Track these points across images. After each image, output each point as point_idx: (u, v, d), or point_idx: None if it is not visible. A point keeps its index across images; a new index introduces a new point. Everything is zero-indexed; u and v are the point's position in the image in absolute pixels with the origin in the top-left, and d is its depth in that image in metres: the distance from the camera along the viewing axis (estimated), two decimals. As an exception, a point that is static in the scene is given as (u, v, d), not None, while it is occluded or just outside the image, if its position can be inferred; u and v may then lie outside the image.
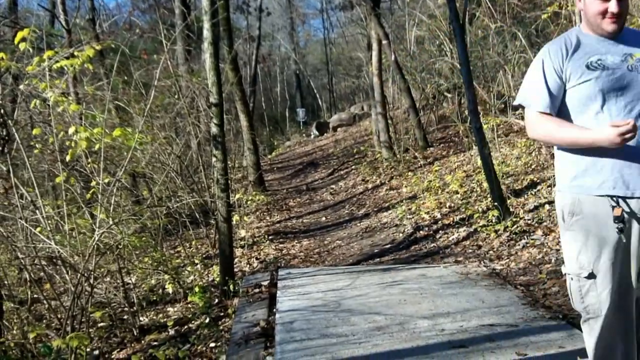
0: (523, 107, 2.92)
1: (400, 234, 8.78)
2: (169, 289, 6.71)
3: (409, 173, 12.90)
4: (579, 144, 2.69)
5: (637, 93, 2.69)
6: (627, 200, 2.68)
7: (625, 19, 2.75)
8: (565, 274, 2.91)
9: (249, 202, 12.91)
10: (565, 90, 2.76)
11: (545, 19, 10.91)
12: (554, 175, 8.17)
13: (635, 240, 2.73)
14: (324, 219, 11.51)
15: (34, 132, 6.27)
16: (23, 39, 5.55)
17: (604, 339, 2.83)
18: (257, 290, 6.18)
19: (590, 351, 2.89)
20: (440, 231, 8.32)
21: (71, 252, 5.55)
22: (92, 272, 5.28)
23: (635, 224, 2.70)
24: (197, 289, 6.17)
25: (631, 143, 2.61)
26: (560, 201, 2.86)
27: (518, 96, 2.91)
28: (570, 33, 2.84)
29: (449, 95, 16.87)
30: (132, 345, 5.63)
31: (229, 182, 7.57)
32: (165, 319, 6.09)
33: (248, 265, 8.05)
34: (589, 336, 2.86)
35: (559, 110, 2.78)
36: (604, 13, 2.66)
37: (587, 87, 2.69)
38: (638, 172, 2.68)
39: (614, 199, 2.68)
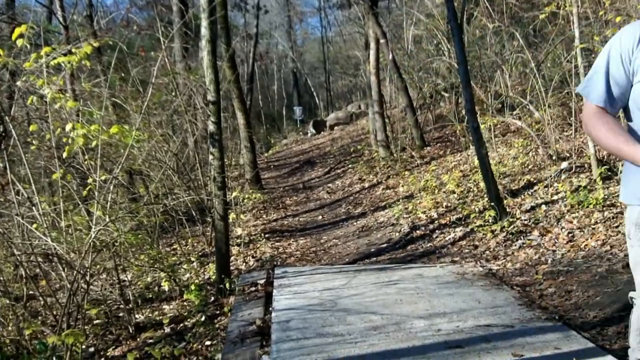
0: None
1: (397, 234, 8.78)
2: (165, 286, 6.71)
3: (406, 172, 12.90)
4: (621, 156, 2.29)
5: None
6: None
7: None
8: (632, 300, 2.42)
9: (245, 200, 12.90)
10: (633, 84, 2.29)
11: (543, 19, 10.92)
12: (550, 176, 8.19)
13: None
14: (320, 217, 11.51)
15: (31, 128, 6.26)
16: (20, 35, 5.53)
17: None
18: (253, 288, 6.18)
19: None
20: (436, 231, 8.32)
21: (67, 249, 5.54)
22: (88, 269, 5.28)
23: None
24: (193, 287, 6.16)
25: None
26: (628, 214, 2.41)
27: (581, 87, 2.46)
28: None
29: (446, 95, 16.89)
30: (128, 342, 5.62)
31: (226, 180, 7.57)
32: (161, 317, 6.09)
33: (244, 264, 8.05)
34: None
35: (630, 105, 2.33)
36: None
37: None
38: None
39: None
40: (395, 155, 14.73)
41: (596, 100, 2.35)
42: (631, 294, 2.42)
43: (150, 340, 5.46)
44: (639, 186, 2.32)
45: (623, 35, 2.30)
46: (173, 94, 10.42)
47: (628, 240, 2.41)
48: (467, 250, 7.13)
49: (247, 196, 13.18)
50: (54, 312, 5.43)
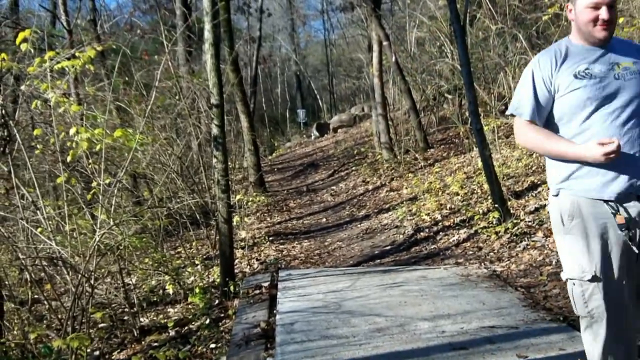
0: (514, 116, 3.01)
1: (401, 236, 8.78)
2: (170, 289, 6.71)
3: (410, 174, 12.90)
4: (565, 157, 2.78)
5: (624, 101, 2.75)
6: (624, 205, 2.74)
7: (615, 26, 2.84)
8: (566, 280, 2.91)
9: (249, 203, 12.92)
10: (553, 100, 2.84)
11: (546, 20, 10.92)
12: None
13: (635, 244, 2.74)
14: (324, 220, 11.51)
15: (35, 132, 6.28)
16: (24, 40, 5.56)
17: (608, 345, 2.82)
18: (257, 291, 6.18)
19: (594, 358, 2.88)
20: (440, 233, 8.31)
21: (72, 253, 5.55)
22: (92, 273, 5.29)
23: (634, 224, 2.74)
24: (197, 290, 6.17)
25: (628, 151, 2.71)
26: (557, 205, 2.93)
27: (511, 105, 3.00)
28: (560, 43, 2.93)
29: (450, 97, 16.86)
30: (133, 346, 5.63)
31: (230, 183, 7.58)
32: (165, 320, 6.09)
33: (248, 267, 8.05)
34: (594, 342, 2.85)
35: (554, 115, 2.86)
36: (595, 20, 2.75)
37: (575, 95, 2.76)
38: (621, 176, 2.73)
39: (614, 204, 2.74)
40: (398, 157, 14.72)
41: (529, 116, 2.87)
42: (563, 275, 2.92)
43: (155, 344, 5.47)
44: (561, 178, 2.87)
45: (541, 61, 2.88)
46: (177, 97, 10.44)
47: (560, 228, 2.90)
48: (471, 252, 7.12)
49: (251, 199, 13.20)
50: (59, 316, 5.45)
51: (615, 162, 2.66)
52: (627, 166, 2.72)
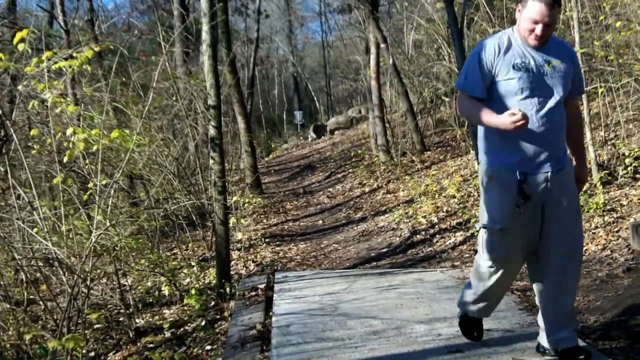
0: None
1: (397, 238, 8.79)
2: (165, 291, 6.70)
3: (406, 177, 12.91)
4: (488, 125, 3.40)
5: (548, 94, 3.38)
6: (530, 175, 3.38)
7: (548, 37, 3.37)
8: (479, 228, 3.59)
9: (246, 205, 12.90)
10: (495, 82, 3.43)
11: (543, 24, 10.91)
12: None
13: (538, 208, 3.42)
14: (320, 222, 11.51)
15: (32, 132, 6.27)
16: (22, 40, 5.55)
17: (494, 288, 3.68)
18: (253, 293, 6.18)
19: (472, 294, 3.78)
20: (437, 235, 8.32)
21: (68, 254, 5.55)
22: (88, 274, 5.28)
23: (536, 195, 3.39)
24: (193, 292, 6.16)
25: (536, 130, 3.35)
26: (482, 169, 3.57)
27: (458, 80, 3.64)
28: (504, 34, 3.50)
29: (447, 99, 16.90)
30: (128, 347, 5.62)
31: (226, 184, 7.57)
32: (161, 321, 6.08)
33: (244, 268, 8.05)
34: (481, 281, 3.67)
35: (492, 95, 3.45)
36: (531, 31, 3.30)
37: (511, 83, 3.37)
38: (537, 154, 3.38)
39: (521, 174, 3.38)
40: (395, 159, 14.73)
41: (474, 92, 3.47)
42: (477, 224, 3.66)
43: (151, 345, 5.46)
44: (487, 150, 3.53)
45: (487, 46, 3.45)
46: (174, 98, 10.43)
47: (482, 187, 3.59)
48: (467, 255, 7.13)
49: (247, 201, 13.18)
50: (55, 317, 5.44)
51: (532, 141, 3.37)
52: (542, 147, 3.37)
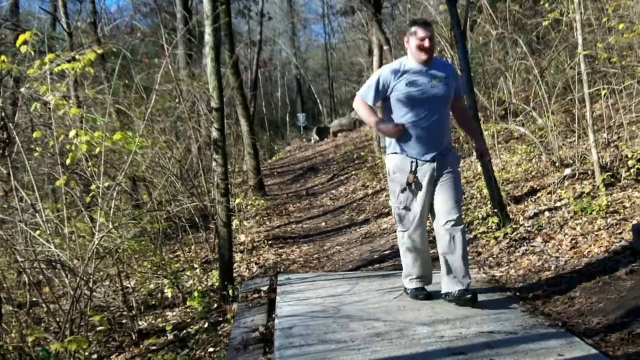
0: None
1: (400, 240, 8.75)
2: (168, 293, 6.70)
3: (409, 179, 12.85)
4: (376, 129, 5.38)
5: (434, 104, 4.79)
6: (419, 161, 4.85)
7: (433, 52, 4.84)
8: (392, 207, 5.18)
9: (248, 207, 12.90)
10: (390, 95, 4.84)
11: (546, 25, 10.92)
12: (553, 183, 8.21)
13: (424, 187, 4.89)
14: (323, 224, 11.51)
15: (35, 135, 6.29)
16: (24, 42, 5.57)
17: (412, 244, 5.22)
18: (256, 295, 6.18)
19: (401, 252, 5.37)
20: (439, 237, 8.27)
21: (70, 256, 5.55)
22: (91, 276, 5.29)
23: (426, 178, 4.87)
24: (196, 294, 6.15)
25: (431, 134, 4.83)
26: (389, 162, 5.01)
27: (360, 91, 5.03)
28: (401, 60, 4.94)
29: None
30: (131, 349, 5.63)
31: (229, 186, 7.57)
32: (164, 324, 6.08)
33: (247, 270, 8.04)
34: (404, 242, 5.26)
35: (388, 105, 4.92)
36: (420, 47, 4.76)
37: (406, 96, 4.77)
38: (426, 146, 4.83)
39: (413, 161, 4.84)
40: (398, 161, 14.66)
41: (369, 102, 4.94)
42: (391, 205, 5.24)
43: (153, 347, 5.47)
44: (394, 146, 4.95)
45: (390, 69, 4.91)
46: (177, 100, 10.43)
47: (389, 176, 5.08)
48: (470, 257, 7.11)
49: (250, 203, 13.18)
50: (57, 319, 5.44)
51: (423, 139, 4.80)
52: (429, 144, 4.83)
